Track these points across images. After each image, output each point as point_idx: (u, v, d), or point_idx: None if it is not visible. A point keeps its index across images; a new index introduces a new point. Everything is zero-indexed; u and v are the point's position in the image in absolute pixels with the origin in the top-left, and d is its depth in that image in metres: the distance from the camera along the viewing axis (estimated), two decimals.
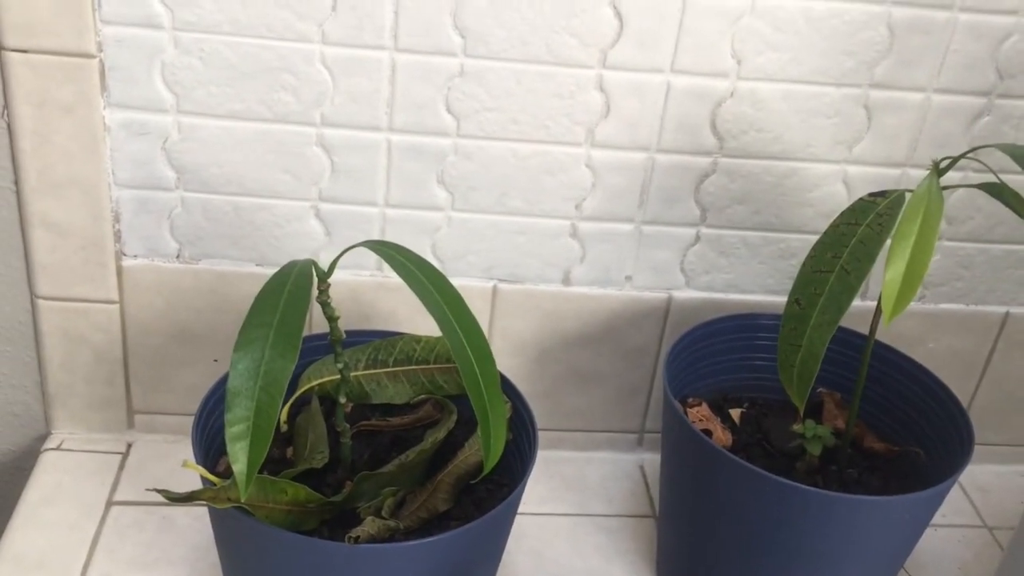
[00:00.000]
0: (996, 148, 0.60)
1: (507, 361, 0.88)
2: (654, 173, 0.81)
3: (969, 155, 0.62)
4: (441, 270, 0.80)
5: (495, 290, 0.85)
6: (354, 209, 0.81)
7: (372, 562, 0.58)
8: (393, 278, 0.84)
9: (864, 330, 0.73)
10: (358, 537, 0.58)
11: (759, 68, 0.77)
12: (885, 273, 0.59)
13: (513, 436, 0.69)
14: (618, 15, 0.74)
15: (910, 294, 0.59)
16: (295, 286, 0.55)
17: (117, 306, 0.82)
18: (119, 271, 0.81)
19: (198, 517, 0.82)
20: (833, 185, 0.83)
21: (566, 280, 0.86)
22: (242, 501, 0.54)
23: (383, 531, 0.60)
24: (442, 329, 0.56)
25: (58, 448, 0.87)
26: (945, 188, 0.61)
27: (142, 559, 0.78)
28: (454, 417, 0.70)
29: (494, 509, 0.60)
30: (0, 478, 0.91)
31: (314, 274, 0.59)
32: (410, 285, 0.57)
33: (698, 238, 0.85)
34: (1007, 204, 0.61)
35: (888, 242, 0.60)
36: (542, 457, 0.93)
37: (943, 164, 0.62)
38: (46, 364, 0.84)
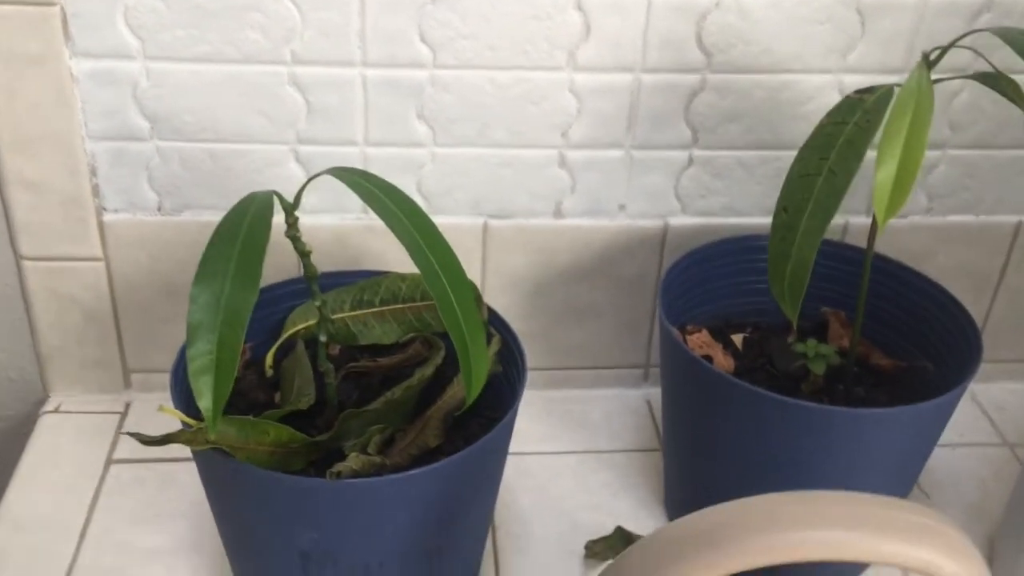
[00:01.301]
0: (991, 32, 0.57)
1: (501, 299, 0.86)
2: (641, 95, 0.78)
3: (961, 44, 0.59)
4: (428, 208, 0.79)
5: (485, 227, 0.83)
6: (334, 150, 0.79)
7: (359, 497, 0.57)
8: (380, 220, 0.81)
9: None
10: (339, 472, 0.57)
11: None
12: (875, 174, 0.56)
13: (503, 368, 0.68)
14: None
15: (903, 196, 0.56)
16: (255, 217, 0.54)
17: (102, 263, 0.81)
18: (101, 227, 0.80)
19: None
20: (828, 96, 0.80)
21: (557, 212, 0.84)
22: (210, 437, 0.53)
23: (367, 467, 0.58)
24: (409, 251, 0.54)
25: (56, 411, 0.86)
26: (936, 81, 0.58)
27: (142, 514, 0.77)
28: (442, 353, 0.68)
29: (482, 439, 0.58)
30: (0, 444, 0.91)
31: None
32: (376, 211, 0.56)
33: (691, 161, 0.82)
34: (1004, 95, 0.57)
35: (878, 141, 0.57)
36: (545, 397, 0.91)
37: (933, 56, 0.58)
38: (37, 326, 0.84)
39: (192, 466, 0.81)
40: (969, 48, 0.59)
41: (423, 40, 0.74)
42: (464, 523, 0.63)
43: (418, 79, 0.76)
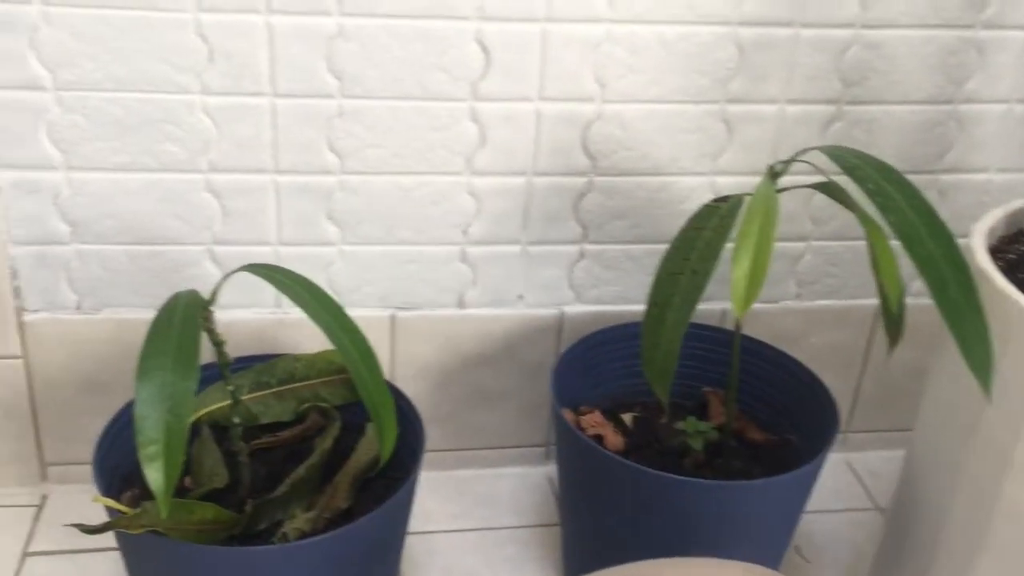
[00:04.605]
0: (820, 151, 0.65)
1: (411, 386, 0.91)
2: (534, 196, 0.86)
3: (800, 159, 0.68)
4: (338, 302, 0.84)
5: (393, 319, 0.89)
6: (248, 250, 0.84)
7: (297, 558, 0.61)
8: (293, 313, 0.87)
9: (750, 332, 0.78)
10: (286, 534, 0.62)
11: (621, 91, 0.83)
12: (732, 273, 0.64)
13: (401, 431, 0.73)
14: (484, 49, 0.79)
15: (756, 290, 0.63)
16: (185, 313, 0.59)
17: (21, 361, 0.84)
18: (21, 326, 0.83)
19: (115, 560, 0.83)
20: (703, 196, 0.88)
21: (461, 303, 0.90)
22: (163, 517, 0.57)
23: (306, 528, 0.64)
24: (324, 330, 0.60)
25: None
26: (781, 190, 0.66)
27: None
28: (338, 423, 0.73)
29: (393, 496, 0.64)
30: None
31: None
32: (290, 297, 0.62)
33: (582, 254, 0.90)
34: (838, 201, 0.66)
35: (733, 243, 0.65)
36: (453, 477, 0.96)
37: (778, 168, 0.67)
38: None
39: (108, 556, 0.84)
40: (807, 162, 0.68)
41: (331, 149, 0.81)
42: None
43: (328, 184, 0.82)
